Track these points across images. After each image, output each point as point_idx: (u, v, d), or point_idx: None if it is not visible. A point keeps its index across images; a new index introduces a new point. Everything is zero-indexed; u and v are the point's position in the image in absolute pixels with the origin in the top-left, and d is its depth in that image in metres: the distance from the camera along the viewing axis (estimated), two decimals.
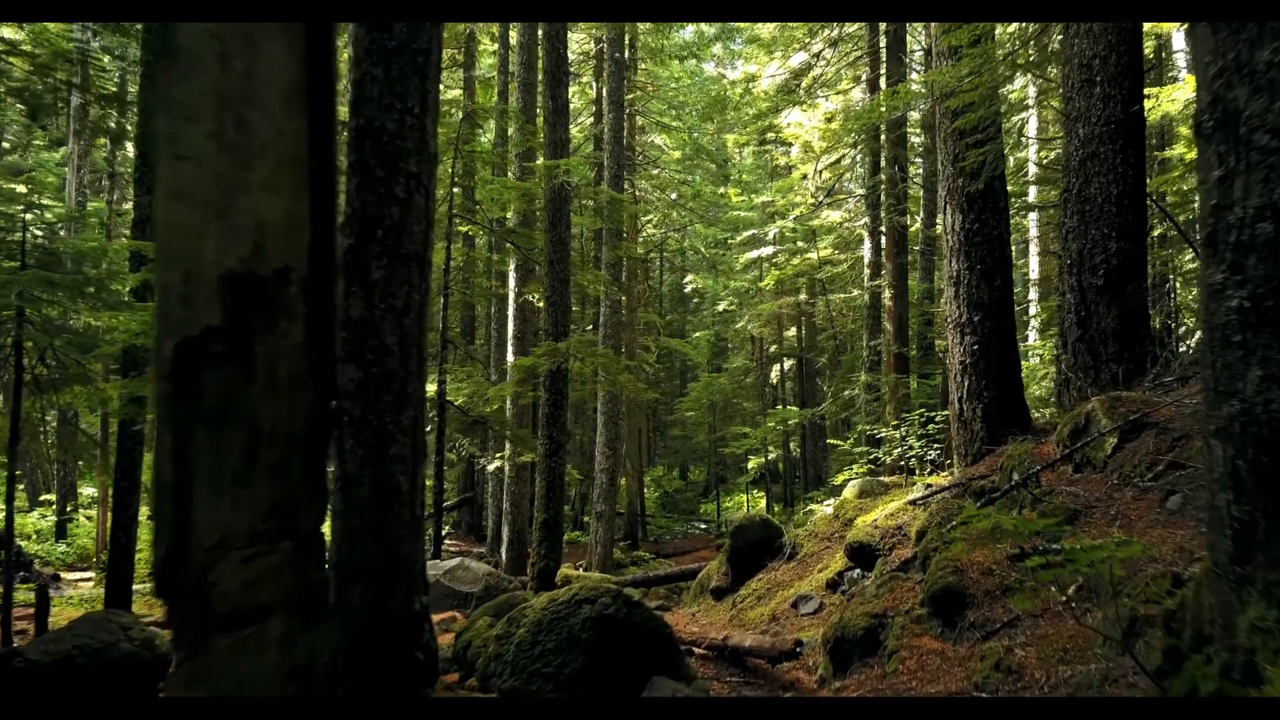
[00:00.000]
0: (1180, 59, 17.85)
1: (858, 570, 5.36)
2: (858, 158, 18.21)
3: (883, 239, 15.37)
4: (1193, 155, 10.41)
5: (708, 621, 6.46)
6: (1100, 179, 6.63)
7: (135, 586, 8.66)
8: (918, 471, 10.10)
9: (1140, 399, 4.48)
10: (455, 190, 14.00)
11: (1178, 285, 14.22)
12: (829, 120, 16.42)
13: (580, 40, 20.13)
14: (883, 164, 15.28)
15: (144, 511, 8.83)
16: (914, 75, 13.86)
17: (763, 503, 26.52)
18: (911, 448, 10.37)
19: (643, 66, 20.56)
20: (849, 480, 8.84)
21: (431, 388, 13.06)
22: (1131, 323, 6.52)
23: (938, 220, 17.00)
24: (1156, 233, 11.36)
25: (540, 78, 11.52)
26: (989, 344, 6.56)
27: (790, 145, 18.29)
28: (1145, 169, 7.00)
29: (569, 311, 10.55)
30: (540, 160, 10.03)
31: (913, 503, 5.66)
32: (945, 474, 8.43)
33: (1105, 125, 6.61)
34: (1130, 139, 6.60)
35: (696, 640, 4.96)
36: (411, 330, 3.38)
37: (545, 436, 10.04)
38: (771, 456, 26.15)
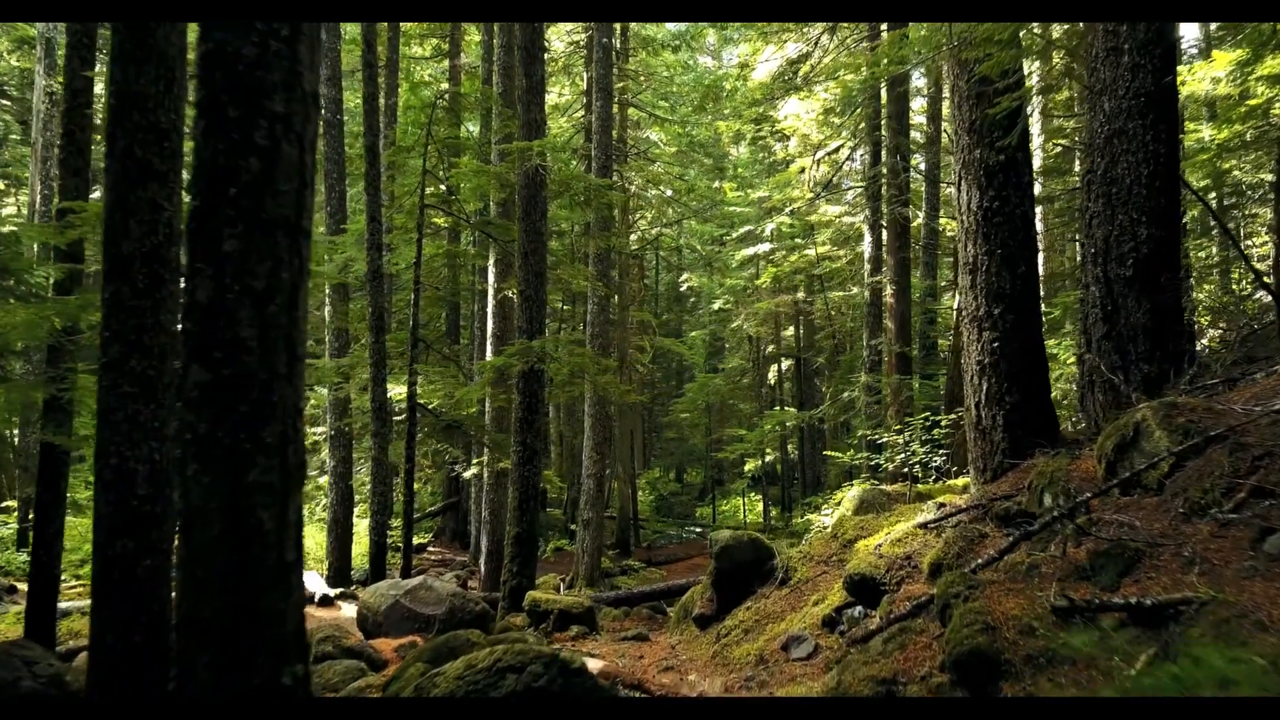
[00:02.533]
0: (1192, 50, 17.10)
1: (859, 607, 4.57)
2: (857, 149, 17.44)
3: (884, 233, 14.60)
4: (1222, 136, 9.63)
5: (688, 658, 5.66)
6: (1128, 158, 5.83)
7: (63, 605, 7.86)
8: (921, 478, 9.31)
9: (1203, 406, 3.70)
10: (443, 187, 13.24)
11: (1193, 280, 13.45)
12: (827, 111, 15.64)
13: (572, 30, 19.36)
14: (883, 156, 14.50)
15: (71, 524, 8.03)
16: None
17: (760, 506, 25.73)
18: (915, 453, 9.59)
19: (636, 57, 19.79)
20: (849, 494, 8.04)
21: (402, 389, 12.26)
22: (1164, 318, 5.71)
23: (948, 204, 16.25)
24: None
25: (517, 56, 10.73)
26: (1011, 340, 5.74)
27: (788, 138, 17.51)
28: (1179, 147, 6.19)
29: (544, 308, 9.73)
30: (515, 143, 9.21)
31: (923, 526, 4.86)
32: (959, 482, 7.65)
33: (1134, 99, 5.80)
34: (1162, 113, 5.78)
35: (665, 695, 4.18)
36: (277, 319, 2.58)
37: (519, 443, 9.22)
38: (769, 459, 25.37)
